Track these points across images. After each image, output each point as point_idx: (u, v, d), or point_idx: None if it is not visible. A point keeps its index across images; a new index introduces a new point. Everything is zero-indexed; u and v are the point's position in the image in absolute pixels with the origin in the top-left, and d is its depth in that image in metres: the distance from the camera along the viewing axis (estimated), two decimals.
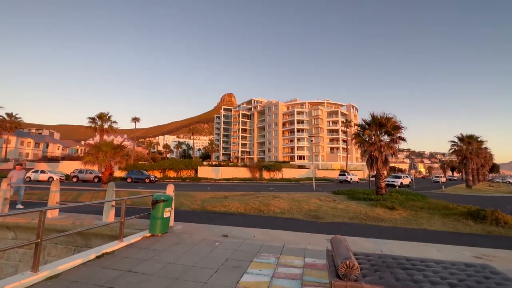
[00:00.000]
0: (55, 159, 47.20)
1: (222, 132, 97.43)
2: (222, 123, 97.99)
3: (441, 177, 47.76)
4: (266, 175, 36.73)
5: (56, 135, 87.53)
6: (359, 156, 74.05)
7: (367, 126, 14.48)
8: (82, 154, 39.25)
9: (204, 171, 33.83)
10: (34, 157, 57.66)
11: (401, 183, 27.01)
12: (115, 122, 35.42)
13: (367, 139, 14.35)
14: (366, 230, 7.03)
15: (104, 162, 14.36)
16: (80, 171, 26.06)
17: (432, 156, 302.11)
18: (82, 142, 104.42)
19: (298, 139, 68.34)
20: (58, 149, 67.87)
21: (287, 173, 38.93)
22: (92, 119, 34.36)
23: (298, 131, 68.90)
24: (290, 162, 57.55)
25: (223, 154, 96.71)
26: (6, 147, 45.99)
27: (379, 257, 3.25)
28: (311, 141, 24.23)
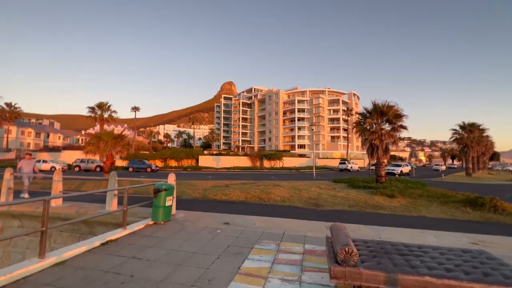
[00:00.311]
0: (56, 149, 47.41)
1: (222, 121, 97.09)
2: (222, 112, 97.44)
3: (441, 165, 47.90)
4: (266, 164, 36.96)
5: (56, 125, 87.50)
6: (359, 144, 73.97)
7: (368, 114, 14.37)
8: (83, 144, 39.37)
9: (205, 160, 34.01)
10: (35, 147, 57.92)
11: (401, 171, 27.15)
12: (115, 111, 35.28)
13: (368, 127, 14.29)
14: (366, 217, 7.14)
15: (105, 152, 14.43)
16: (82, 161, 26.23)
17: (433, 144, 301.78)
18: (83, 132, 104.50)
19: (299, 128, 68.15)
20: (59, 138, 68.02)
21: (288, 162, 39.10)
22: (92, 109, 34.21)
23: (298, 119, 68.57)
24: (291, 151, 57.65)
25: (223, 143, 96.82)
26: (7, 137, 46.09)
27: (377, 244, 3.32)
28: (312, 130, 24.14)
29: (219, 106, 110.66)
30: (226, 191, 10.37)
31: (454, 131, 29.33)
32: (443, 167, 45.88)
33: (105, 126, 40.55)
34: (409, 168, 29.12)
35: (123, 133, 16.69)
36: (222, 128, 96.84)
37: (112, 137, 14.79)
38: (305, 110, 69.20)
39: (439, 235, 5.29)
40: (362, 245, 3.27)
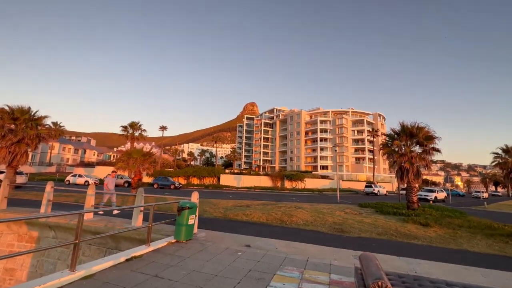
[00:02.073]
0: (91, 164, 51.07)
1: (244, 141, 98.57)
2: (244, 132, 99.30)
3: (483, 192, 43.33)
4: (288, 184, 36.34)
5: (93, 142, 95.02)
6: (387, 167, 70.59)
7: (396, 136, 13.74)
8: (115, 160, 42.00)
9: (226, 179, 34.29)
10: (73, 162, 62.92)
11: (435, 197, 24.96)
12: (144, 130, 37.60)
13: (396, 149, 13.59)
14: (397, 247, 6.55)
15: (134, 168, 15.21)
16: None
17: (470, 168, 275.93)
18: (115, 149, 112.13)
19: (321, 149, 67.00)
20: (94, 155, 73.37)
21: (310, 183, 38.11)
22: (124, 128, 36.82)
23: (321, 140, 67.59)
24: (313, 172, 56.33)
25: (245, 162, 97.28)
26: (51, 153, 50.76)
27: (414, 279, 3.00)
28: (335, 150, 23.54)
29: (241, 126, 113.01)
30: (247, 212, 10.24)
31: (496, 155, 26.78)
32: (485, 194, 41.43)
33: (135, 144, 43.09)
34: (444, 194, 26.69)
35: (151, 151, 17.57)
36: (243, 148, 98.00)
37: (141, 155, 15.63)
38: (328, 130, 68.21)
39: (488, 274, 4.64)
40: (396, 280, 2.98)
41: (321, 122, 69.15)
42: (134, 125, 36.86)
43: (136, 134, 37.09)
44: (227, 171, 54.17)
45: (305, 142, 71.76)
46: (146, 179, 30.94)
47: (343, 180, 46.39)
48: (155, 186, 27.44)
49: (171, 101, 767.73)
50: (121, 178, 27.20)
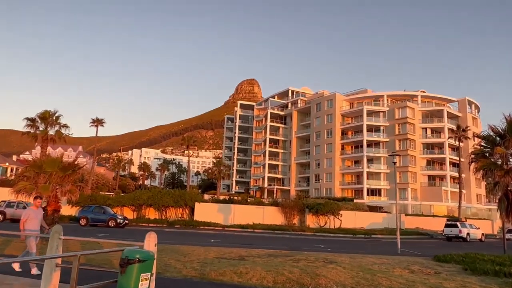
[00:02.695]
0: None
1: (236, 145, 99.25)
2: (237, 129, 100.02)
3: None
4: (311, 220, 36.43)
5: None
6: (483, 192, 70.43)
7: (498, 138, 13.79)
8: (13, 177, 42.03)
9: (205, 211, 34.31)
10: None
11: None
12: (66, 126, 37.72)
13: (499, 162, 13.63)
14: None
15: (47, 192, 15.20)
16: (9, 204, 27.70)
17: None
18: (14, 158, 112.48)
19: (370, 160, 67.25)
20: None
21: (349, 218, 38.16)
22: (32, 121, 36.93)
23: (369, 145, 67.93)
24: (355, 200, 56.40)
25: (237, 182, 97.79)
26: None
27: None
28: (394, 163, 23.53)
29: (231, 119, 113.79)
30: (240, 268, 10.21)
31: None
32: None
33: (49, 149, 43.21)
34: None
35: (76, 161, 17.59)
36: (235, 157, 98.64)
37: (59, 168, 15.63)
38: (381, 128, 68.48)
39: None
40: None
41: (370, 114, 69.52)
42: (47, 117, 36.99)
43: (52, 132, 37.18)
44: (206, 196, 53.89)
45: (342, 148, 72.09)
46: (68, 210, 30.85)
47: (406, 215, 46.37)
48: (83, 221, 27.61)
49: (111, 79, 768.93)
50: (25, 207, 27.16)
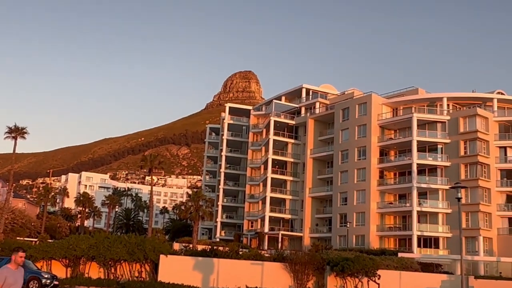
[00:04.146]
0: None
1: (223, 169, 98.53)
2: (224, 146, 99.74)
3: None
4: (334, 284, 35.91)
5: None
6: None
7: None
8: None
9: (176, 267, 33.85)
10: None
11: None
12: None
13: None
14: None
15: None
16: None
17: None
18: None
19: (422, 194, 67.13)
20: None
21: (391, 282, 37.66)
22: None
23: (421, 171, 67.86)
24: (400, 254, 55.61)
25: (223, 224, 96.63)
26: None
27: None
28: (458, 199, 23.44)
29: (216, 132, 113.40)
30: None
31: None
32: None
33: None
34: None
35: None
36: (221, 186, 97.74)
37: None
38: (438, 147, 68.46)
39: None
40: None
41: (422, 125, 69.72)
42: None
43: None
44: (177, 246, 52.48)
45: (381, 175, 72.10)
46: None
47: (477, 277, 45.78)
48: None
49: (38, 75, 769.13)
50: None
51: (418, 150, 67.92)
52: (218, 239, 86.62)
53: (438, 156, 68.06)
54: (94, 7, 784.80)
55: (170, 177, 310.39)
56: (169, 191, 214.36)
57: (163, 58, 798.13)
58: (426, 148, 68.92)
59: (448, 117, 69.15)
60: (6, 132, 59.89)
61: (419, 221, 65.73)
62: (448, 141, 67.86)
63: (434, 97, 74.03)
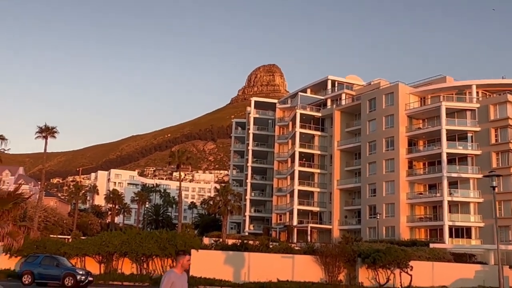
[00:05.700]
0: None
1: (250, 163, 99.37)
2: (251, 140, 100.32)
3: None
4: (366, 276, 35.91)
5: None
6: None
7: None
8: None
9: (207, 262, 34.08)
10: None
11: None
12: (2, 138, 38.52)
13: None
14: None
15: None
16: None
17: None
18: None
19: (453, 183, 66.63)
20: None
21: (424, 273, 37.35)
22: None
23: (451, 160, 67.20)
24: (431, 245, 55.14)
25: (252, 218, 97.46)
26: None
27: None
28: (493, 188, 23.06)
29: (242, 126, 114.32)
30: None
31: None
32: None
33: None
34: None
35: (18, 190, 17.82)
36: (249, 181, 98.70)
37: None
38: (469, 135, 67.52)
39: None
40: None
41: (451, 113, 68.98)
42: None
43: None
44: (207, 240, 52.91)
45: (409, 165, 71.73)
46: (4, 262, 31.17)
47: (511, 266, 45.09)
48: (27, 279, 27.69)
49: (66, 74, 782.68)
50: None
51: (448, 139, 67.12)
52: (247, 233, 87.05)
53: (468, 145, 67.27)
54: (131, 3, 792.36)
55: (197, 172, 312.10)
56: (196, 186, 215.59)
57: (187, 54, 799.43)
58: (456, 137, 68.03)
59: (478, 105, 68.17)
60: (37, 132, 60.84)
61: (450, 211, 65.12)
62: (478, 129, 66.90)
63: (463, 84, 72.88)
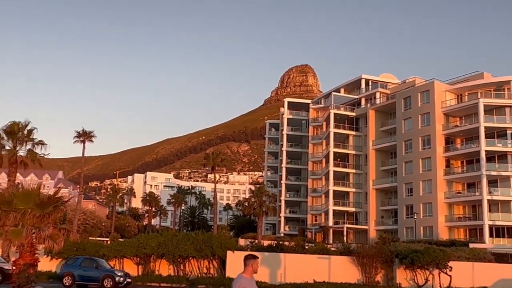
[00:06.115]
0: None
1: (284, 164, 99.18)
2: (284, 140, 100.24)
3: None
4: (403, 276, 35.48)
5: None
6: None
7: None
8: None
9: (243, 262, 34.14)
10: None
11: None
12: (41, 143, 39.31)
13: None
14: None
15: (19, 238, 15.71)
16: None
17: None
18: None
19: (492, 181, 65.45)
20: None
21: (464, 273, 36.64)
22: None
23: (490, 158, 66.04)
24: (471, 245, 54.31)
25: (287, 219, 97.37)
26: None
27: None
28: None
29: (276, 127, 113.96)
30: None
31: None
32: None
33: (19, 177, 45.25)
34: None
35: (58, 193, 18.10)
36: (283, 182, 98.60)
37: (36, 204, 16.13)
38: (508, 132, 66.04)
39: None
40: None
41: (489, 110, 67.82)
42: (16, 131, 38.64)
43: (22, 152, 38.81)
44: (242, 242, 52.97)
45: (447, 164, 70.75)
46: (45, 264, 31.79)
47: None
48: (68, 280, 28.16)
49: (102, 78, 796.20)
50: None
51: (486, 137, 65.88)
52: (282, 234, 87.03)
53: (508, 142, 65.82)
54: (156, 2, 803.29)
55: (232, 174, 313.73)
56: (231, 188, 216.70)
57: (220, 56, 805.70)
58: (495, 134, 66.70)
59: None
60: (75, 137, 62.09)
61: (490, 210, 63.83)
62: None
63: (501, 80, 71.27)
